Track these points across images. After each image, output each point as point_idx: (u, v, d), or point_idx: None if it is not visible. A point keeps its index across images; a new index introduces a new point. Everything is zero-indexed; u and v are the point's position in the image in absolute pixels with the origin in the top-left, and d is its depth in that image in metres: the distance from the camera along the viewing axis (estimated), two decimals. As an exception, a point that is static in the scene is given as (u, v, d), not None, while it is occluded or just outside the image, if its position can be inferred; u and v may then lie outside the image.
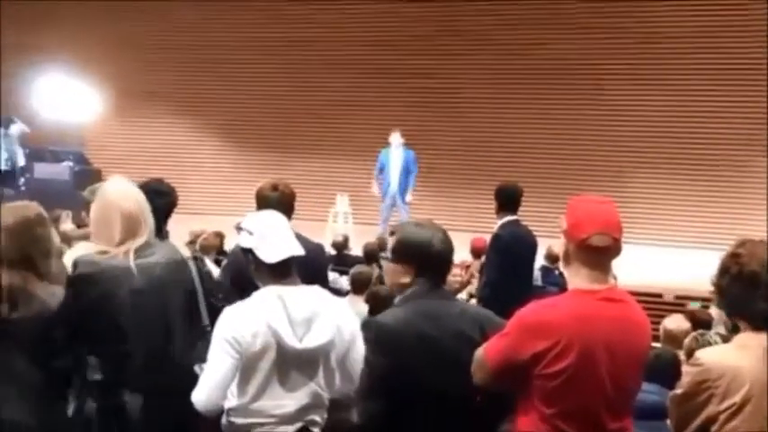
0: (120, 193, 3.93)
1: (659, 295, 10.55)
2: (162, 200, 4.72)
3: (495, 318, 3.59)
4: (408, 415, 3.31)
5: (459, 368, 3.30)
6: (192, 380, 3.68)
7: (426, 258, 3.49)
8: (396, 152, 14.44)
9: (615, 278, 3.33)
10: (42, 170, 16.46)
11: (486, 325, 3.48)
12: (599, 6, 16.68)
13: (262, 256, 3.61)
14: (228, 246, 9.23)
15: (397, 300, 3.56)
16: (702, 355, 3.14)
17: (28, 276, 3.65)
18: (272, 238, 3.65)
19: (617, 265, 3.31)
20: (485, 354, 3.26)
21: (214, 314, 3.87)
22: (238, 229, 3.76)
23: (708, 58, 15.93)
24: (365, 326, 3.46)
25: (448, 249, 3.56)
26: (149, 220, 3.93)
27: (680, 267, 13.20)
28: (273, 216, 3.81)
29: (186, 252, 4.15)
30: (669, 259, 14.18)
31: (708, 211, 15.74)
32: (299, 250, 3.68)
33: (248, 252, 3.67)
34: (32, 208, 3.85)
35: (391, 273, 3.59)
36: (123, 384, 3.77)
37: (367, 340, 3.39)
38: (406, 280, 3.51)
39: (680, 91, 16.13)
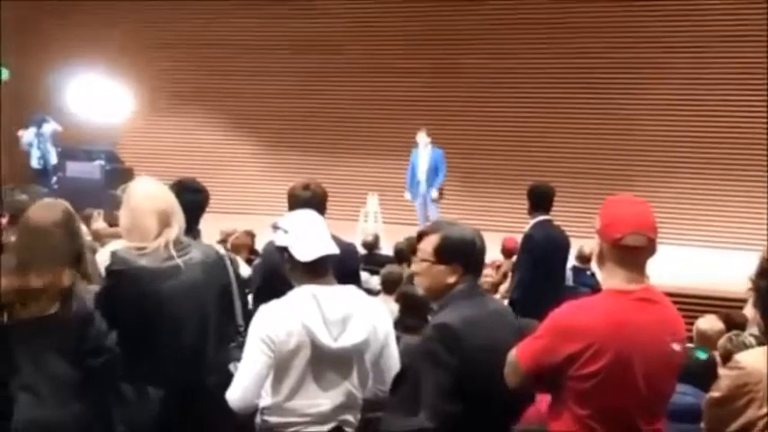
0: (146, 192, 3.94)
1: (690, 296, 10.46)
2: (194, 199, 4.73)
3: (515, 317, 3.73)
4: (475, 415, 3.30)
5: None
6: (227, 379, 3.68)
7: (472, 257, 3.53)
8: (423, 151, 14.42)
9: (648, 278, 3.29)
10: (74, 169, 16.54)
11: (520, 325, 3.59)
12: (628, 5, 16.58)
13: (297, 254, 3.60)
14: (260, 245, 9.25)
15: (438, 301, 3.54)
16: (743, 358, 3.09)
17: (75, 275, 3.66)
18: (308, 236, 3.64)
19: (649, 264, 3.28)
20: (518, 356, 3.24)
21: (247, 314, 3.87)
22: (275, 227, 3.75)
23: (738, 59, 15.80)
24: (434, 328, 3.40)
25: (485, 247, 3.59)
26: (179, 216, 3.93)
27: (712, 268, 13.13)
28: (309, 215, 3.80)
29: (221, 250, 4.15)
30: (702, 260, 14.09)
31: (741, 211, 15.60)
32: (334, 249, 3.67)
33: (283, 250, 3.66)
34: (64, 203, 3.86)
35: (435, 274, 3.53)
36: (151, 379, 3.77)
37: (439, 341, 3.33)
38: (452, 280, 3.50)
39: (710, 92, 16.01)
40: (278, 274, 3.85)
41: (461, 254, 3.51)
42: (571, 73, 16.77)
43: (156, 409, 3.74)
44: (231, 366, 3.82)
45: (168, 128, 19.41)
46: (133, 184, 4.04)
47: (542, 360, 3.15)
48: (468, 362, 3.29)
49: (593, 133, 16.71)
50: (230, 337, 4.03)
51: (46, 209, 3.79)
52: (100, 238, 7.41)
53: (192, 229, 4.37)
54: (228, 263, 4.06)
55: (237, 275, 4.27)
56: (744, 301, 7.49)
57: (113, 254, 3.78)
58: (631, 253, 3.17)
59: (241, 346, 3.69)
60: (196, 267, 3.86)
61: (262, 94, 18.66)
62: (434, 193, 14.38)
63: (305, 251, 3.60)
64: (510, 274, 8.65)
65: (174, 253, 3.78)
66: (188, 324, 3.82)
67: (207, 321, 3.89)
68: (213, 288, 3.94)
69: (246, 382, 3.52)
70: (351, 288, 3.71)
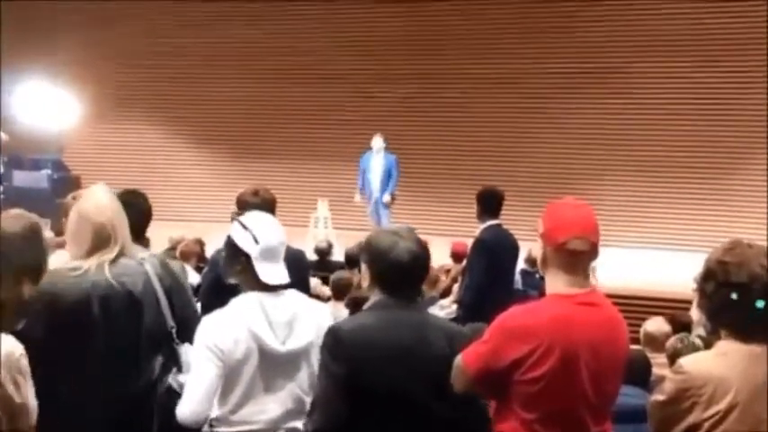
0: (94, 203, 3.83)
1: (637, 297, 10.58)
2: (138, 211, 4.65)
3: (464, 331, 3.52)
4: (366, 423, 3.26)
5: (420, 378, 3.25)
6: (164, 394, 3.66)
7: (382, 266, 3.38)
8: (377, 157, 14.37)
9: (594, 269, 3.33)
10: (21, 178, 16.34)
11: (456, 337, 3.40)
12: (577, 7, 16.73)
13: (260, 272, 3.55)
14: (209, 252, 9.19)
15: (365, 306, 3.49)
16: (686, 362, 3.12)
17: (33, 289, 3.56)
18: (275, 258, 3.60)
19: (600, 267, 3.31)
20: (464, 361, 3.23)
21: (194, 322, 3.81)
22: (239, 222, 3.65)
23: (691, 62, 15.99)
24: (327, 332, 3.35)
25: (413, 261, 3.36)
26: (122, 233, 3.81)
27: (657, 269, 13.27)
28: (279, 232, 3.69)
29: (151, 267, 3.95)
30: (650, 261, 14.23)
31: (686, 212, 15.81)
32: (287, 277, 3.62)
33: (243, 253, 3.59)
34: (32, 216, 3.78)
35: (362, 276, 3.52)
36: (87, 408, 3.64)
37: (325, 345, 3.30)
38: (366, 284, 3.46)
39: (660, 95, 16.19)
40: (227, 283, 3.79)
41: (372, 260, 3.41)
42: (518, 79, 16.90)
43: None
44: (171, 380, 3.74)
45: (115, 135, 19.22)
46: (86, 193, 3.97)
47: (489, 364, 3.16)
48: (358, 368, 3.23)
49: (540, 138, 16.82)
50: (163, 350, 3.88)
51: (12, 219, 3.69)
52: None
53: (139, 239, 4.31)
54: (150, 267, 3.89)
55: (166, 280, 4.04)
56: (689, 302, 7.59)
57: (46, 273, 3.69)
58: (575, 257, 3.21)
59: (172, 354, 3.68)
60: (136, 286, 3.74)
61: (210, 100, 18.58)
62: (387, 198, 14.32)
63: (270, 274, 3.55)
64: (459, 278, 8.68)
65: (108, 271, 3.70)
66: (123, 343, 3.71)
67: (138, 347, 3.76)
68: (149, 307, 3.79)
69: (198, 395, 3.46)
70: (294, 292, 3.68)
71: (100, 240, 3.73)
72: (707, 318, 3.39)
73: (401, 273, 3.37)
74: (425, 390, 3.26)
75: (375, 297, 3.41)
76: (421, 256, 3.40)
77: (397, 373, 3.23)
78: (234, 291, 3.66)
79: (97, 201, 3.84)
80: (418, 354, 3.27)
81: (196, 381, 3.48)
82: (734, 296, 3.04)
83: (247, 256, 3.58)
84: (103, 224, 3.75)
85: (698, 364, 3.11)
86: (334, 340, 3.28)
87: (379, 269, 3.40)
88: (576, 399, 3.14)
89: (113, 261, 3.72)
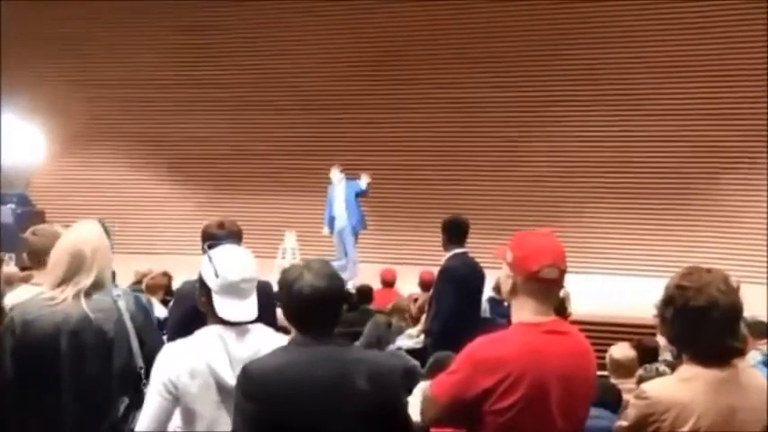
0: (77, 232, 3.86)
1: (603, 323, 10.60)
2: None
3: (394, 366, 3.36)
4: None
5: (339, 415, 3.14)
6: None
7: (286, 301, 3.27)
8: (339, 187, 14.40)
9: (569, 298, 3.35)
10: (-15, 213, 16.24)
11: (383, 373, 3.27)
12: (553, 37, 16.84)
13: (218, 307, 3.48)
14: (176, 285, 9.13)
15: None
16: (648, 387, 3.14)
17: None
18: (237, 294, 3.51)
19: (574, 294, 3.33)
20: (432, 392, 3.21)
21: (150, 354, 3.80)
22: (209, 256, 3.58)
23: (669, 91, 16.13)
24: (240, 370, 3.22)
25: (312, 296, 3.21)
26: (101, 265, 3.81)
27: (623, 295, 13.34)
28: (244, 268, 3.59)
29: (124, 305, 3.92)
30: (617, 287, 14.29)
31: (657, 238, 15.88)
32: (254, 314, 3.54)
33: (206, 287, 3.53)
34: None
35: None
36: None
37: (237, 384, 3.19)
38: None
39: (629, 120, 16.33)
40: (193, 316, 3.73)
41: (280, 293, 3.33)
42: (484, 106, 16.98)
43: None
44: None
45: (80, 169, 19.15)
46: (74, 225, 3.97)
47: (458, 394, 3.14)
48: (268, 405, 3.11)
49: (507, 167, 16.90)
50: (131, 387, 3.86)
51: None
52: (11, 282, 7.26)
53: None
54: (123, 305, 3.87)
55: (136, 315, 4.02)
56: (655, 327, 7.63)
57: (17, 304, 3.67)
58: (546, 285, 3.23)
59: (137, 395, 3.65)
60: (108, 323, 3.74)
61: (174, 133, 18.56)
62: (365, 181, 14.26)
63: (228, 310, 3.48)
64: (427, 307, 8.66)
65: (83, 302, 3.68)
66: (92, 375, 3.70)
67: (107, 388, 3.77)
68: (121, 338, 3.80)
69: (146, 420, 3.43)
70: (258, 326, 3.59)
71: (75, 266, 3.73)
72: (669, 341, 3.41)
73: (302, 308, 3.25)
74: (345, 427, 3.16)
75: (292, 333, 3.34)
76: (325, 290, 3.23)
77: (312, 410, 3.13)
78: (203, 325, 3.59)
79: (82, 231, 3.88)
80: (336, 390, 3.15)
81: (146, 408, 3.45)
82: (693, 321, 3.07)
83: (210, 291, 3.51)
84: (82, 251, 3.76)
85: (660, 389, 3.12)
86: (245, 378, 3.16)
87: (284, 304, 3.30)
88: (546, 427, 3.14)
89: (88, 294, 3.70)
